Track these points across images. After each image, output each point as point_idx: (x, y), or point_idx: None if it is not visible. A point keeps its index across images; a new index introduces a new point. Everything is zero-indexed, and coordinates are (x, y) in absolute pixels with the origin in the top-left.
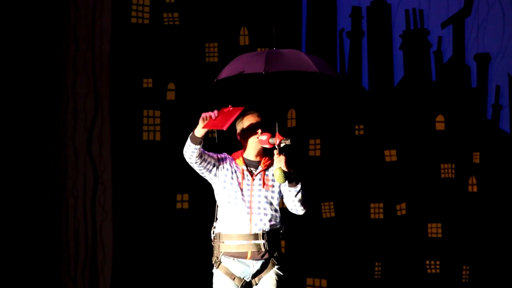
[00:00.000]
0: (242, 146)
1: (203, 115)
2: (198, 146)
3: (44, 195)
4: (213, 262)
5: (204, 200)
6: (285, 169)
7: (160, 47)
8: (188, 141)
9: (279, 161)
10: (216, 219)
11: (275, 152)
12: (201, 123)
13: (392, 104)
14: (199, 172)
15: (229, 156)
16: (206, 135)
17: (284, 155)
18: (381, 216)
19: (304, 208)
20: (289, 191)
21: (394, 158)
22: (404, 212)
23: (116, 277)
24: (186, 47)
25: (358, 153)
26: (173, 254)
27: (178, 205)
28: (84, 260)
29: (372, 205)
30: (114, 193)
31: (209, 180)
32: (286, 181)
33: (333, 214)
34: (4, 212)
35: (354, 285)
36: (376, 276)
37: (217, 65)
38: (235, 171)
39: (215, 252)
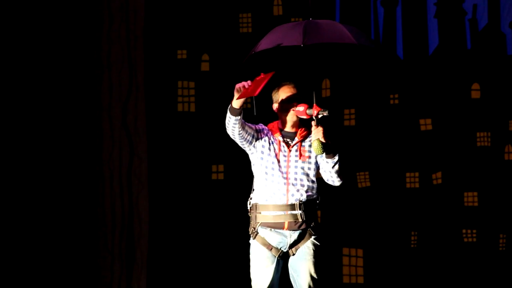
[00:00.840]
0: (278, 117)
1: (237, 86)
2: (239, 117)
3: (80, 168)
4: (250, 233)
5: (239, 171)
6: (323, 140)
7: (194, 18)
8: (228, 114)
9: (317, 133)
10: (253, 190)
11: (313, 123)
12: (236, 94)
13: (427, 73)
14: (240, 144)
15: (266, 127)
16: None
17: (322, 126)
18: (417, 185)
19: (341, 179)
20: (327, 162)
21: (430, 127)
22: (440, 181)
23: (152, 249)
24: (219, 18)
25: (393, 122)
26: (209, 225)
27: (214, 176)
28: (120, 232)
29: (407, 174)
30: (150, 165)
31: (248, 151)
32: (324, 153)
33: (368, 184)
34: (39, 185)
35: (391, 254)
36: (412, 246)
37: (251, 35)
38: (272, 142)
39: (252, 223)
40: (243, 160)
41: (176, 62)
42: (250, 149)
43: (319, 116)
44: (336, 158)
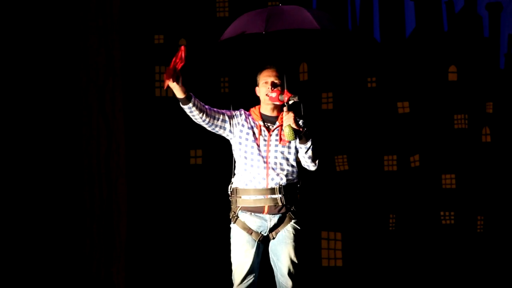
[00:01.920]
0: (259, 101)
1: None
2: (189, 105)
3: (58, 155)
4: (230, 217)
5: (217, 156)
6: (294, 126)
7: (171, 3)
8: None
9: (288, 118)
10: (234, 174)
11: (284, 109)
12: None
13: (404, 56)
14: (213, 131)
15: (246, 112)
16: (218, 90)
17: (293, 112)
18: (395, 168)
19: (315, 164)
20: (300, 148)
21: (407, 110)
22: (417, 163)
23: (131, 234)
24: (196, 2)
25: (371, 105)
26: (188, 210)
27: (192, 161)
28: (99, 218)
29: (385, 157)
30: (127, 150)
31: (226, 137)
32: (296, 138)
33: (346, 167)
34: (17, 171)
35: (369, 237)
36: (390, 228)
37: (228, 19)
38: (252, 127)
39: (232, 207)
40: (221, 145)
41: (153, 47)
42: (227, 135)
43: (290, 102)
44: (309, 143)
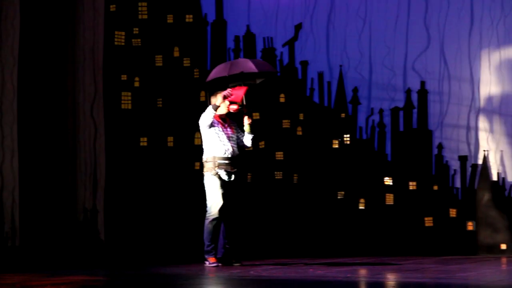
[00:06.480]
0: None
1: (224, 93)
2: (215, 112)
3: (62, 142)
4: (209, 172)
5: (184, 140)
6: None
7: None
8: (211, 111)
9: (249, 120)
10: (204, 149)
11: (246, 116)
12: (222, 98)
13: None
14: (207, 128)
15: None
16: (155, 106)
17: (251, 118)
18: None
19: (252, 146)
20: (248, 136)
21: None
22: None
23: (109, 185)
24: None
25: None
26: (162, 176)
27: (142, 143)
28: (89, 175)
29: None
30: (107, 137)
31: (206, 129)
32: (251, 131)
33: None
34: (35, 153)
35: None
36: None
37: (123, 48)
38: (218, 123)
39: (210, 167)
40: (186, 133)
41: (120, 82)
42: (209, 128)
43: (251, 111)
44: (253, 135)
